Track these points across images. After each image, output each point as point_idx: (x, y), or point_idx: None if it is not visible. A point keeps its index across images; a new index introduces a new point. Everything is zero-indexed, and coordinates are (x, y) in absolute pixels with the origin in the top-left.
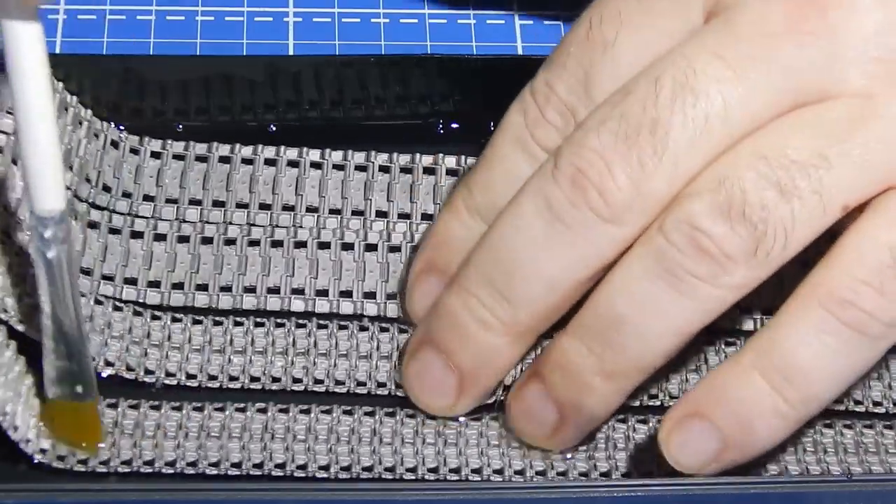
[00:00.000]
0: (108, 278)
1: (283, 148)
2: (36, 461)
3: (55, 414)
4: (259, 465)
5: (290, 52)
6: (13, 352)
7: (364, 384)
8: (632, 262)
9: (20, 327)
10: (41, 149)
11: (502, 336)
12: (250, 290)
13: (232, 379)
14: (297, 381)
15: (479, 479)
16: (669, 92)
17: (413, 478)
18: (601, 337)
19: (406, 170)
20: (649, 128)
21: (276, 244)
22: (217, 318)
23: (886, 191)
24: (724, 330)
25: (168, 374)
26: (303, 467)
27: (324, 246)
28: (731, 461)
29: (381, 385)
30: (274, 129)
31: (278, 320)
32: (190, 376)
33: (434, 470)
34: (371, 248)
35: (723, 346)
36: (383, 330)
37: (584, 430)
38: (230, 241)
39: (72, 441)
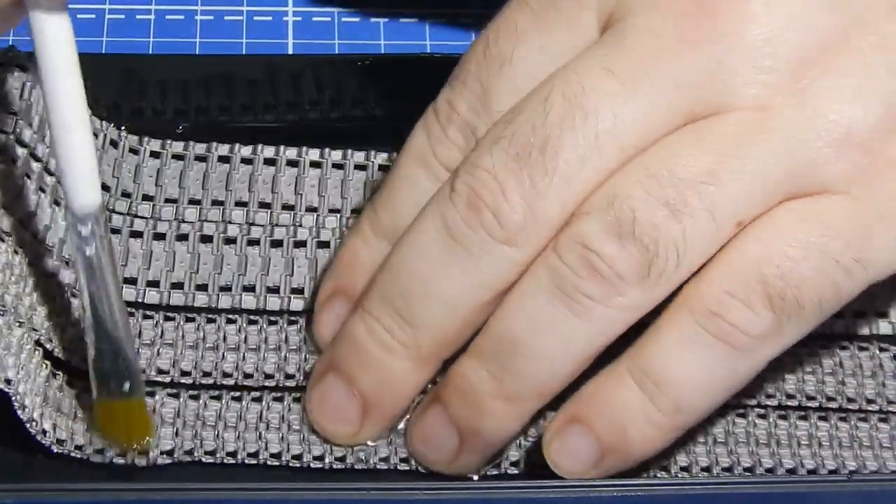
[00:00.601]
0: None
1: (282, 147)
2: (54, 451)
3: (105, 415)
4: (254, 455)
5: (290, 52)
6: (25, 329)
7: None
8: (527, 283)
9: (49, 346)
10: (75, 146)
11: (405, 360)
12: (249, 289)
13: (226, 375)
14: (289, 376)
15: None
16: (559, 109)
17: (407, 468)
18: (499, 360)
19: None
20: (539, 147)
21: (276, 244)
22: (210, 316)
23: (780, 204)
24: None
25: (160, 372)
26: (298, 457)
27: (323, 245)
28: (612, 467)
29: None
30: (273, 128)
31: (271, 318)
32: (184, 373)
33: None
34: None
35: None
36: None
37: (484, 455)
38: (230, 241)
39: (124, 440)
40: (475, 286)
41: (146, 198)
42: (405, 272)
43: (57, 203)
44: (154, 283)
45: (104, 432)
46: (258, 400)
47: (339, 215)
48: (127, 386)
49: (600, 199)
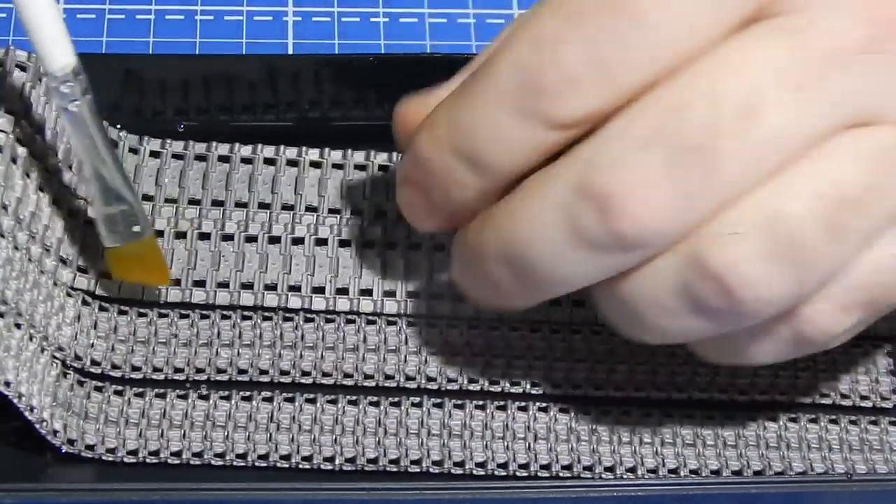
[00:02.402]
0: (107, 276)
1: (282, 147)
2: (64, 452)
3: (120, 262)
4: (264, 457)
5: (290, 52)
6: (25, 331)
7: (372, 377)
8: (656, 276)
9: (46, 344)
10: (42, 12)
11: (517, 302)
12: (247, 286)
13: (220, 371)
14: (283, 373)
15: (484, 472)
16: (731, 113)
17: (417, 471)
18: (617, 314)
19: None
20: (703, 154)
21: (274, 240)
22: (204, 312)
23: None
24: None
25: (155, 370)
26: (308, 459)
27: (321, 243)
28: None
29: (389, 377)
30: (273, 128)
31: (265, 314)
32: (178, 370)
33: (438, 463)
34: (368, 244)
35: None
36: (370, 322)
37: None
38: (227, 238)
39: (144, 281)
40: (597, 272)
41: (146, 197)
42: (526, 247)
43: (56, 203)
44: None
45: (124, 278)
46: (269, 400)
47: (338, 216)
48: (136, 227)
49: (754, 214)
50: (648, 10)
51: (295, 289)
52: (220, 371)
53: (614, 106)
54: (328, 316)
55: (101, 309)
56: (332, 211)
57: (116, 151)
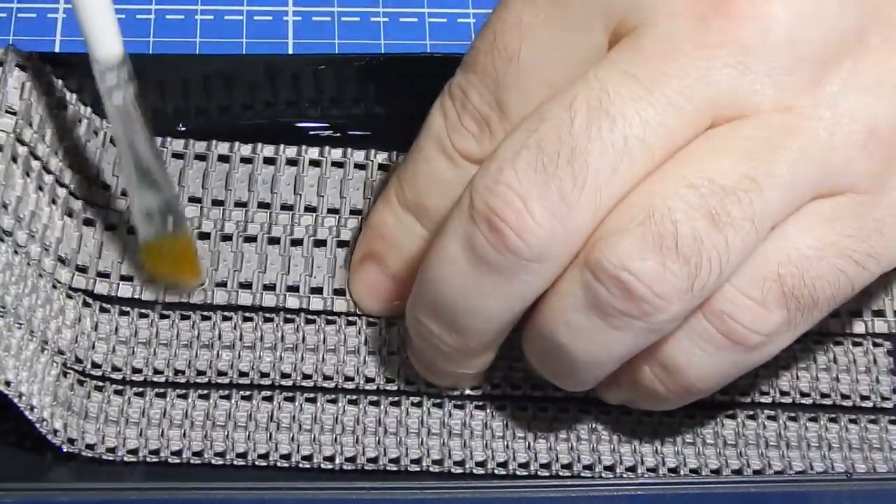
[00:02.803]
0: (104, 275)
1: (282, 146)
2: (64, 451)
3: (153, 257)
4: (264, 456)
5: (290, 52)
6: (25, 331)
7: (373, 380)
8: (563, 298)
9: (48, 346)
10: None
11: (460, 359)
12: (246, 286)
13: (220, 374)
14: (285, 375)
15: (483, 471)
16: (585, 117)
17: (417, 470)
18: (545, 358)
19: None
20: (567, 156)
21: (273, 241)
22: (205, 314)
23: (805, 205)
24: None
25: (156, 372)
26: (308, 458)
27: (320, 244)
28: None
29: (390, 380)
30: (273, 127)
31: (266, 315)
32: (178, 372)
33: (439, 462)
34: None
35: None
36: (371, 324)
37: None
38: (226, 238)
39: (176, 278)
40: (508, 300)
41: None
42: (442, 287)
43: (55, 202)
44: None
45: (154, 274)
46: (269, 400)
47: (337, 215)
48: (171, 220)
49: (636, 213)
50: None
51: (293, 289)
52: (220, 374)
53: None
54: (329, 318)
55: (102, 310)
56: (331, 210)
57: (157, 146)
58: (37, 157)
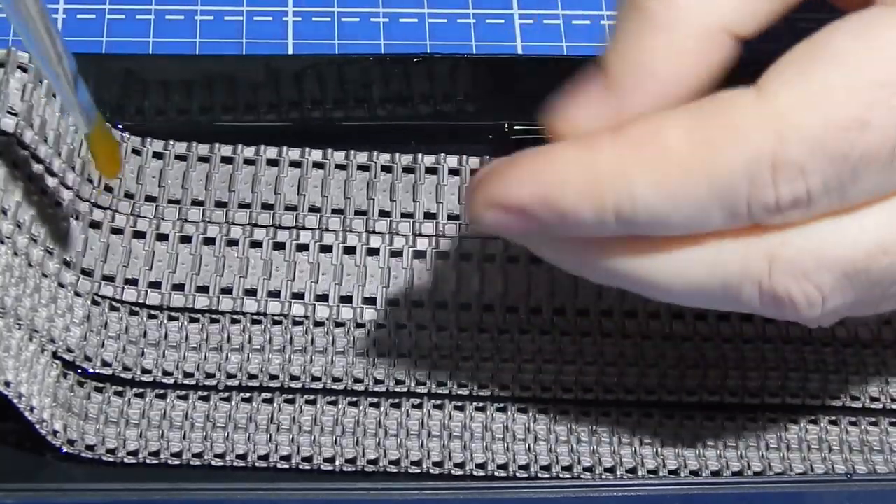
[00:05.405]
0: (109, 279)
1: (285, 148)
2: (64, 452)
3: (96, 147)
4: (265, 457)
5: (290, 52)
6: (25, 332)
7: (382, 382)
8: None
9: (52, 347)
10: None
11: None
12: (251, 293)
13: (230, 377)
14: (294, 378)
15: (484, 473)
16: None
17: (418, 472)
18: None
19: (408, 169)
20: (889, 287)
21: (279, 246)
22: (214, 317)
23: None
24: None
25: (165, 374)
26: (308, 459)
27: (325, 249)
28: None
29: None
30: (275, 128)
31: (275, 317)
32: (187, 374)
33: (439, 464)
34: (373, 252)
35: (721, 343)
36: (380, 326)
37: None
38: (232, 243)
39: (107, 169)
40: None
41: (149, 198)
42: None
43: (59, 204)
44: (156, 285)
45: (99, 164)
46: (269, 402)
47: (342, 216)
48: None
49: None
50: None
51: (298, 296)
52: (230, 376)
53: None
54: (337, 320)
55: (112, 309)
56: (335, 211)
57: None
58: (38, 160)
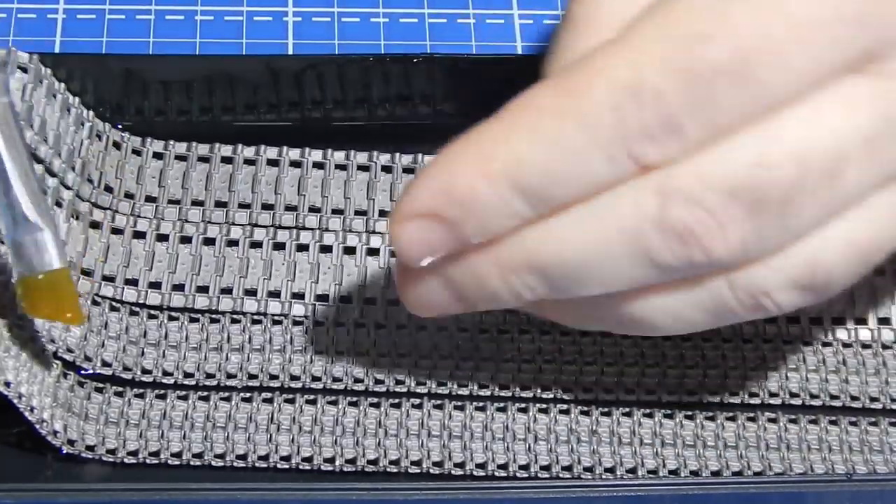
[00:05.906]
0: (109, 279)
1: (285, 148)
2: (64, 452)
3: (31, 294)
4: (265, 458)
5: (290, 52)
6: (25, 332)
7: (382, 382)
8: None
9: (52, 346)
10: None
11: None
12: (251, 293)
13: (230, 377)
14: (294, 378)
15: (484, 473)
16: (816, 178)
17: (418, 472)
18: None
19: (408, 170)
20: (782, 206)
21: (279, 247)
22: (214, 317)
23: None
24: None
25: (165, 374)
26: (308, 460)
27: (326, 249)
28: None
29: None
30: (275, 128)
31: (275, 317)
32: (187, 374)
33: (439, 464)
34: (373, 252)
35: (721, 343)
36: (380, 326)
37: None
38: (232, 243)
39: (55, 318)
40: (643, 282)
41: (149, 199)
42: (579, 263)
43: (59, 205)
44: (156, 285)
45: (33, 311)
46: (269, 402)
47: (342, 216)
48: (48, 258)
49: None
50: (758, 59)
51: (299, 296)
52: (230, 376)
53: (703, 144)
54: (338, 320)
55: (112, 309)
56: (335, 211)
57: (33, 167)
58: (39, 160)
